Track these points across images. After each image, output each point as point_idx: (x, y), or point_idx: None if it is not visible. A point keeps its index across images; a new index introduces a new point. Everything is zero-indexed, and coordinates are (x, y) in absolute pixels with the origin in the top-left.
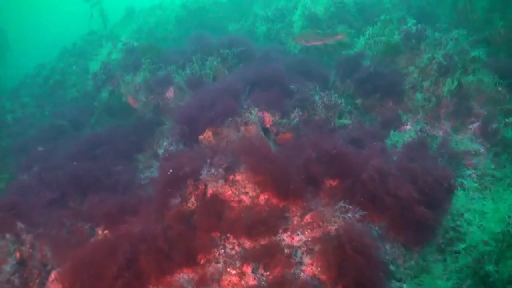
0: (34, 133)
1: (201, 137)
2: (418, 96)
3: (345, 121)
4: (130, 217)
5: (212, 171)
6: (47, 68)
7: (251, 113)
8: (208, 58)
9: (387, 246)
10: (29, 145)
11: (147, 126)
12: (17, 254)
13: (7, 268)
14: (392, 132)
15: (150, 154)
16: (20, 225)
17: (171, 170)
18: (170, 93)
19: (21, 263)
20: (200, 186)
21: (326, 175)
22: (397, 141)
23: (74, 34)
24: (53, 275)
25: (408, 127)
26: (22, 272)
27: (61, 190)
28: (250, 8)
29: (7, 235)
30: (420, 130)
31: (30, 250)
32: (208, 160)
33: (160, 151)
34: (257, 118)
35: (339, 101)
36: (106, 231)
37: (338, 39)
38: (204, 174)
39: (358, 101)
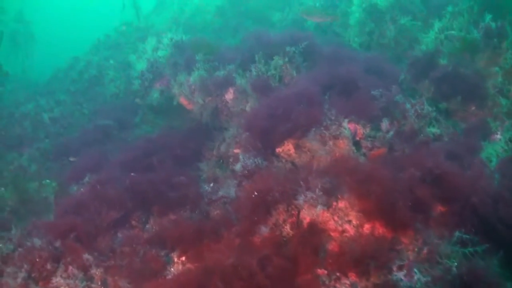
0: (75, 135)
1: (279, 149)
2: (503, 101)
3: (434, 129)
4: (210, 242)
5: (310, 195)
6: (81, 62)
7: (341, 125)
8: (273, 57)
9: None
10: (71, 148)
11: (204, 130)
12: None
13: None
14: (484, 143)
15: (213, 163)
16: (87, 256)
17: (256, 193)
18: (229, 95)
19: None
20: (293, 212)
21: (434, 199)
22: (491, 154)
23: (105, 26)
24: None
25: (498, 136)
26: None
27: (123, 208)
28: None
29: (74, 271)
30: (510, 140)
31: None
32: (303, 184)
33: (237, 167)
34: (349, 132)
35: (430, 109)
36: (183, 258)
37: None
38: (301, 200)
39: (442, 105)
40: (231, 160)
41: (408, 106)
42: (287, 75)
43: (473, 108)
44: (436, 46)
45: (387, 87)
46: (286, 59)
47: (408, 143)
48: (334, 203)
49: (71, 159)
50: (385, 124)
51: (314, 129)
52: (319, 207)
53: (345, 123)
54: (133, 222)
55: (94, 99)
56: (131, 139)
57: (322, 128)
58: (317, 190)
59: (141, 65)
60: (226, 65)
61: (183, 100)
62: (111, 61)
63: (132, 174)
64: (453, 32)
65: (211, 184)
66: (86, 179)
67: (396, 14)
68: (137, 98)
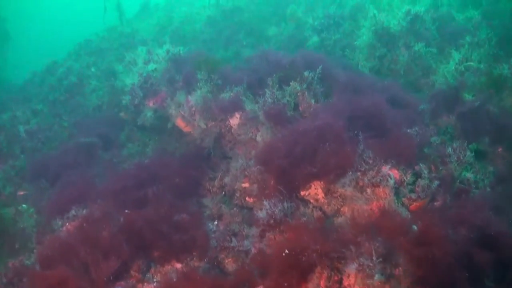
0: (55, 152)
1: (304, 192)
2: None
3: (469, 174)
4: None
5: (366, 262)
6: (61, 68)
7: (380, 170)
8: (285, 81)
9: None
10: (50, 167)
11: (205, 157)
12: None
13: None
14: None
15: (219, 198)
16: None
17: (286, 251)
18: (235, 121)
19: None
20: (335, 277)
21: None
22: None
23: (86, 30)
24: None
25: None
26: None
27: (119, 254)
28: (288, 7)
29: None
30: None
31: None
32: (353, 248)
33: (262, 215)
34: (393, 180)
35: (471, 154)
36: None
37: None
38: (352, 268)
39: (473, 146)
40: (238, 195)
41: (449, 150)
42: (303, 103)
43: (500, 150)
44: (459, 79)
45: (414, 121)
46: (304, 86)
47: (448, 192)
48: (389, 271)
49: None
50: (424, 169)
51: (350, 173)
52: (377, 277)
53: (386, 169)
54: (133, 272)
55: (74, 110)
56: (117, 160)
57: (358, 173)
58: (374, 257)
59: (130, 79)
60: (232, 86)
61: (180, 122)
62: (93, 69)
63: (126, 210)
64: (472, 63)
65: (219, 226)
66: (72, 212)
67: (410, 40)
68: (122, 112)
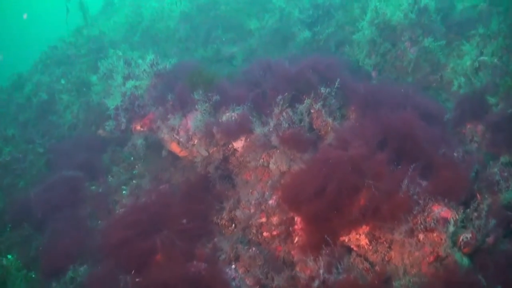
0: (35, 188)
1: (344, 238)
2: None
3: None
4: None
5: None
6: (28, 83)
7: (431, 211)
8: (296, 95)
9: None
10: (33, 209)
11: (208, 186)
12: None
13: None
14: None
15: (233, 237)
16: None
17: None
18: (239, 143)
19: None
20: None
21: None
22: None
23: (47, 33)
24: None
25: None
26: None
27: None
28: None
29: None
30: None
31: None
32: None
33: (303, 277)
34: (453, 223)
35: None
36: None
37: None
38: None
39: (504, 159)
40: (254, 231)
41: (497, 177)
42: (319, 121)
43: None
44: (479, 79)
45: (449, 140)
46: (320, 104)
47: (501, 225)
48: None
49: None
50: (479, 205)
51: (405, 219)
52: None
53: (438, 210)
54: None
55: (48, 132)
56: (106, 192)
57: (410, 216)
58: None
59: (112, 101)
60: (233, 105)
61: (174, 147)
62: (63, 81)
63: (137, 280)
64: (485, 58)
65: (238, 269)
66: (69, 274)
67: (417, 34)
68: (100, 130)
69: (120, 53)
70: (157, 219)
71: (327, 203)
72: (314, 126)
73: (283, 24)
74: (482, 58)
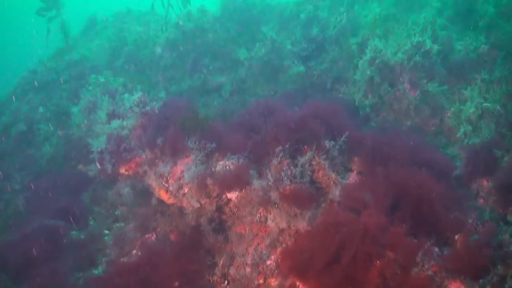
0: (11, 236)
1: None
2: None
3: None
4: None
5: None
6: (6, 111)
7: None
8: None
9: None
10: (10, 261)
11: (198, 239)
12: None
13: None
14: None
15: None
16: None
17: None
18: (233, 194)
19: None
20: None
21: None
22: None
23: (28, 58)
24: None
25: None
26: None
27: None
28: (258, 28)
29: None
30: None
31: None
32: None
33: None
34: None
35: None
36: None
37: None
38: None
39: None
40: None
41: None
42: (322, 175)
43: None
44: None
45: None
46: (324, 158)
47: None
48: None
49: None
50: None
51: None
52: None
53: None
54: None
55: (26, 167)
56: (87, 239)
57: None
58: None
59: (97, 143)
60: (228, 154)
61: (162, 194)
62: (41, 109)
63: None
64: (488, 104)
65: None
66: None
67: (417, 76)
68: (81, 165)
69: (103, 80)
70: (147, 284)
71: (340, 274)
72: (315, 179)
73: (274, 56)
74: (485, 104)
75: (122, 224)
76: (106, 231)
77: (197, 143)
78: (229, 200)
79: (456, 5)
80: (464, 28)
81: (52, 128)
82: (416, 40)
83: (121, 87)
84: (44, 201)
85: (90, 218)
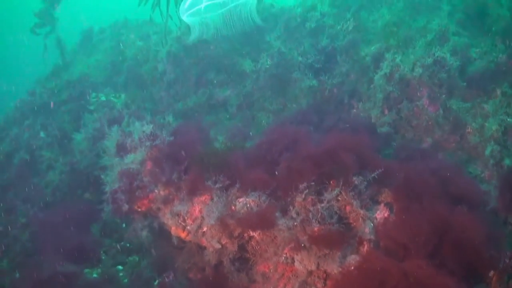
0: (22, 281)
1: None
2: None
3: None
4: None
5: None
6: (6, 138)
7: None
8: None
9: None
10: None
11: (222, 281)
12: None
13: None
14: None
15: None
16: None
17: None
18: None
19: None
20: None
21: None
22: None
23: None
24: None
25: None
26: None
27: None
28: (262, 37)
29: None
30: None
31: None
32: None
33: None
34: None
35: None
36: None
37: None
38: None
39: None
40: None
41: None
42: (350, 212)
43: None
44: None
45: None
46: (351, 194)
47: None
48: None
49: None
50: None
51: None
52: None
53: None
54: None
55: (31, 198)
56: (101, 279)
57: None
58: None
59: (111, 180)
60: (248, 190)
61: (179, 232)
62: (42, 134)
63: None
64: (510, 120)
65: None
66: None
67: (436, 91)
68: (87, 193)
69: (104, 98)
70: None
71: None
72: (342, 215)
73: (281, 68)
74: (510, 120)
75: (136, 258)
76: (120, 267)
77: (217, 183)
78: (251, 236)
79: (467, 8)
80: (476, 32)
81: (54, 155)
82: (436, 54)
83: (125, 108)
84: (53, 237)
85: (102, 252)
